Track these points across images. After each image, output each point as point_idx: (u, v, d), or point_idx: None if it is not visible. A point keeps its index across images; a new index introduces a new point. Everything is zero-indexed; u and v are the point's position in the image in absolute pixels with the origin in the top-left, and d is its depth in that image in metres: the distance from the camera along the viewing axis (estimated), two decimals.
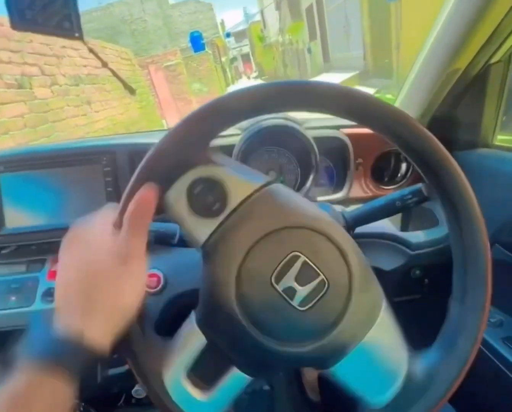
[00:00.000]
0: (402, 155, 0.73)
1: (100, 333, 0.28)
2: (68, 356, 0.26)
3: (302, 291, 0.31)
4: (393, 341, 0.33)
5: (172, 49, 8.54)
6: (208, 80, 10.45)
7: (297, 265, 0.31)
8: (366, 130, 0.72)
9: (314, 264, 0.31)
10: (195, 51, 10.22)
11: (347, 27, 7.70)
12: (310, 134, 0.65)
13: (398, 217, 0.81)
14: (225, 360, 0.34)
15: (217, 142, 0.68)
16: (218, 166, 0.32)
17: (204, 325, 0.33)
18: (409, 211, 0.80)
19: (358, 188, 0.76)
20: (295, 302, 0.31)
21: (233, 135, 0.67)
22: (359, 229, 0.53)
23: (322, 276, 0.31)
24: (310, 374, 0.77)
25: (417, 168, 0.35)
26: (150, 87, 6.52)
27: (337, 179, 0.76)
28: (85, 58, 3.51)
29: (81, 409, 0.90)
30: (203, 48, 10.32)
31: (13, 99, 2.46)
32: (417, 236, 0.65)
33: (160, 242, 0.50)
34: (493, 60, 0.56)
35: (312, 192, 0.74)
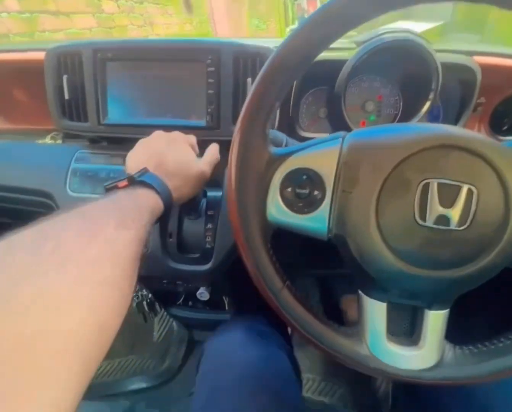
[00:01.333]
0: None
1: (177, 188, 0.42)
2: (158, 184, 0.38)
3: (455, 211, 0.29)
4: None
5: None
6: (268, 17, 9.65)
7: (433, 189, 0.29)
8: (503, 61, 0.61)
9: (450, 179, 0.29)
10: None
11: None
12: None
13: None
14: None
15: (327, 55, 0.62)
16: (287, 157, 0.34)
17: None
18: None
19: None
20: (452, 226, 0.29)
21: (346, 49, 0.60)
22: None
23: (465, 186, 0.29)
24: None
25: None
26: (210, 16, 6.17)
27: (446, 119, 0.67)
28: None
29: (148, 300, 1.01)
30: None
31: (82, 10, 2.45)
32: None
33: None
34: None
35: None
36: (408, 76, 0.63)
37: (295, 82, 0.62)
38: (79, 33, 2.40)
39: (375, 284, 0.35)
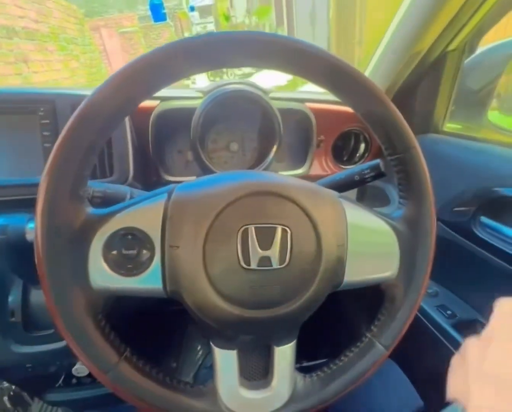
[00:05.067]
0: (362, 135, 0.76)
1: None
2: None
3: (274, 251, 0.31)
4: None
5: (129, 14, 7.79)
6: None
7: (252, 233, 0.31)
8: (330, 107, 0.73)
9: (265, 222, 0.31)
10: (155, 20, 9.45)
11: (313, 16, 7.77)
12: (275, 105, 0.63)
13: (354, 196, 0.84)
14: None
15: (177, 103, 0.63)
16: (112, 218, 0.31)
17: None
18: (365, 191, 0.84)
19: (318, 165, 0.77)
20: (274, 265, 0.31)
21: (194, 98, 0.62)
22: None
23: (279, 227, 0.31)
24: None
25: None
26: (103, 53, 5.91)
27: (298, 155, 0.75)
28: (21, 8, 3.01)
29: (11, 393, 0.81)
30: (164, 19, 9.59)
31: None
32: None
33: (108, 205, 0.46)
34: (450, 48, 0.59)
35: (273, 167, 0.74)
36: (261, 117, 0.70)
37: (150, 127, 0.61)
38: None
39: (220, 334, 0.34)
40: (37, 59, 3.21)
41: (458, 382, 0.25)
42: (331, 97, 0.73)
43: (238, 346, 0.35)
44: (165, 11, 9.72)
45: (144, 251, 0.31)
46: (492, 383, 0.22)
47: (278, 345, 0.36)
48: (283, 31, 9.35)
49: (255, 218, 0.31)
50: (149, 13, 9.60)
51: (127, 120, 0.56)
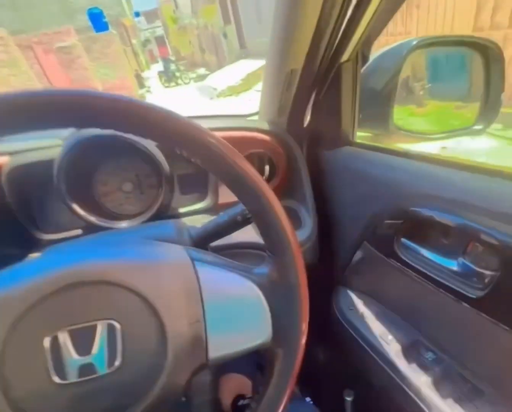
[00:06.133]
0: (267, 157, 0.70)
1: None
2: None
3: (98, 354, 0.25)
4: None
5: (65, 28, 7.30)
6: (116, 65, 9.39)
7: (64, 340, 0.24)
8: (225, 134, 0.65)
9: (80, 322, 0.25)
10: (97, 30, 9.02)
11: (259, 11, 7.75)
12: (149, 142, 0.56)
13: None
14: None
15: (33, 156, 0.54)
16: None
17: None
18: None
19: (227, 193, 0.71)
20: (102, 371, 0.25)
21: (53, 147, 0.53)
22: (216, 243, 0.49)
23: (101, 323, 0.25)
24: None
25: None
26: (39, 72, 5.47)
27: (202, 186, 0.69)
28: None
29: None
30: (106, 28, 9.16)
31: None
32: None
33: None
34: (343, 59, 0.55)
35: (177, 202, 0.67)
36: (143, 157, 0.62)
37: (4, 187, 0.52)
38: None
39: None
40: None
41: None
42: (223, 124, 0.68)
43: None
44: (107, 19, 9.28)
45: None
46: None
47: None
48: (232, 30, 9.25)
49: (67, 319, 0.24)
50: (89, 23, 9.14)
51: None
